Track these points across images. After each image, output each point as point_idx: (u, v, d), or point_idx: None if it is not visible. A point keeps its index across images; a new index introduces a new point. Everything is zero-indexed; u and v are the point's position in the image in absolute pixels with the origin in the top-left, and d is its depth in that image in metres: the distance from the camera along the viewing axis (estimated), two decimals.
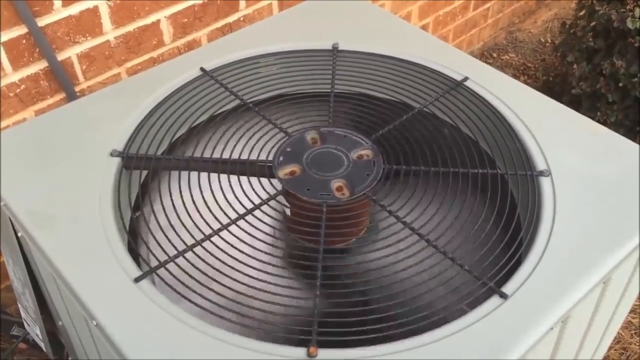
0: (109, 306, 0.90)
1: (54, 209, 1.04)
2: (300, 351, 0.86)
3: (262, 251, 0.99)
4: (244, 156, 1.14)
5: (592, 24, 2.30)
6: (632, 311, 2.12)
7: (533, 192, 1.07)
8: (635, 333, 2.06)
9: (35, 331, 1.43)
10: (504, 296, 0.91)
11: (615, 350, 2.01)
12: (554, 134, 1.18)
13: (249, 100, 1.28)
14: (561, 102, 1.26)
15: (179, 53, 1.81)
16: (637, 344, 2.02)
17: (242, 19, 1.92)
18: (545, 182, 1.09)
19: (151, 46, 1.74)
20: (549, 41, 3.41)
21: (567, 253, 0.97)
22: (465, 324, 0.88)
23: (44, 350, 1.46)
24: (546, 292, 0.91)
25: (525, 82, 3.13)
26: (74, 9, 1.53)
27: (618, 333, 2.04)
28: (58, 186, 1.08)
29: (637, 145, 1.17)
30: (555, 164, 1.12)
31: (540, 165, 1.12)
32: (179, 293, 0.93)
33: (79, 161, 1.12)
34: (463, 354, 0.85)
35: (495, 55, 3.34)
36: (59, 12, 1.51)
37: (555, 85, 2.74)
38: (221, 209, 1.05)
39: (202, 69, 1.33)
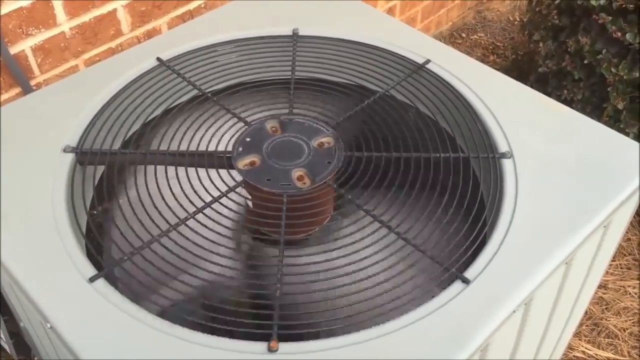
0: (62, 308, 0.88)
1: (5, 208, 1.01)
2: (261, 346, 0.84)
3: (222, 245, 0.97)
4: (203, 148, 1.12)
5: (557, 1, 2.29)
6: (603, 287, 2.15)
7: (495, 174, 1.07)
8: (606, 309, 2.09)
9: None
10: (466, 281, 0.90)
11: (587, 326, 2.03)
12: (517, 115, 1.17)
13: (207, 90, 1.25)
14: (529, 80, 1.26)
15: (139, 42, 1.76)
16: (608, 319, 2.05)
17: (203, 5, 1.88)
18: (507, 164, 1.08)
19: (109, 36, 1.69)
20: (518, 19, 3.41)
21: (528, 235, 0.97)
22: (428, 311, 0.87)
23: (9, 352, 1.43)
24: (508, 276, 0.91)
25: (494, 62, 3.14)
26: (25, 1, 1.48)
27: (589, 309, 2.07)
28: (9, 185, 1.04)
29: (599, 124, 1.17)
30: (517, 145, 1.11)
31: (503, 147, 1.11)
32: (136, 291, 0.90)
33: (30, 158, 1.09)
34: (425, 341, 0.84)
35: (464, 35, 3.33)
36: (9, 4, 1.46)
37: (523, 64, 2.74)
38: (179, 203, 1.02)
39: (158, 58, 1.29)
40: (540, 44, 2.39)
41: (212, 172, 1.09)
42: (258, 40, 1.36)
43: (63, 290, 0.90)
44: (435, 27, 3.12)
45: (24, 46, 1.54)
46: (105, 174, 1.11)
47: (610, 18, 2.06)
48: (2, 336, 1.37)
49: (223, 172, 1.10)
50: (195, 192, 1.04)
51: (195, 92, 1.25)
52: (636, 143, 1.12)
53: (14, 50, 1.52)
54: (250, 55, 1.34)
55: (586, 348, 1.96)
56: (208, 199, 1.04)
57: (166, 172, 1.07)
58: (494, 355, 0.92)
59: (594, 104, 2.25)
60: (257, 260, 0.95)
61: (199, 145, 1.12)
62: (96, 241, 0.99)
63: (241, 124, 1.17)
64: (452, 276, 0.92)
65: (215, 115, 1.19)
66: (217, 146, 1.12)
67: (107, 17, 1.66)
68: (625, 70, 2.04)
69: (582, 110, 1.20)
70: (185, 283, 0.92)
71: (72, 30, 1.61)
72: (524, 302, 0.91)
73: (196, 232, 0.98)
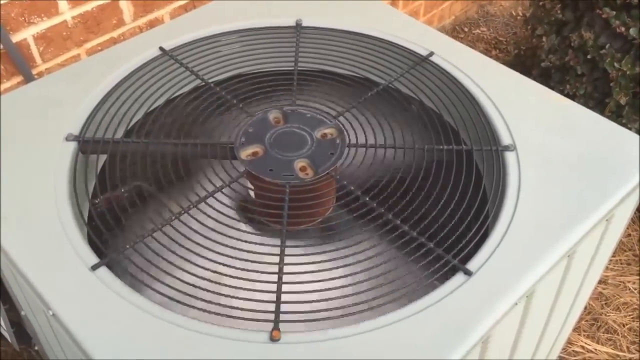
0: (64, 295, 0.87)
1: (7, 197, 1.01)
2: (263, 335, 0.84)
3: (224, 234, 0.97)
4: (205, 137, 1.11)
5: None
6: (603, 282, 2.15)
7: (498, 167, 1.06)
8: (605, 304, 2.09)
9: None
10: (468, 273, 0.90)
11: (586, 321, 2.03)
12: (520, 108, 1.17)
13: (210, 80, 1.25)
14: (531, 75, 1.25)
15: (141, 32, 1.76)
16: (608, 314, 2.05)
17: None
18: (510, 156, 1.08)
19: (111, 26, 1.69)
20: (520, 14, 3.40)
21: (531, 228, 0.96)
22: (429, 302, 0.87)
23: (9, 340, 1.43)
24: (510, 268, 0.91)
25: (497, 56, 3.13)
26: None
27: (589, 304, 2.07)
28: (11, 174, 1.04)
29: (602, 118, 1.16)
30: (520, 138, 1.11)
31: (506, 140, 1.11)
32: (138, 280, 0.90)
33: (32, 147, 1.08)
34: (426, 333, 0.84)
35: (466, 29, 3.32)
36: None
37: (526, 59, 2.73)
38: (181, 192, 1.02)
39: (161, 48, 1.29)
40: (544, 39, 2.38)
41: (215, 162, 1.08)
42: (261, 31, 1.35)
43: (65, 278, 0.90)
44: (437, 21, 3.11)
45: (26, 34, 1.54)
46: (107, 162, 1.11)
47: (614, 13, 2.05)
48: (3, 325, 1.37)
49: (226, 162, 1.10)
50: (197, 181, 1.04)
51: (198, 82, 1.25)
52: (638, 136, 1.12)
53: (16, 38, 1.52)
54: (253, 45, 1.34)
55: (585, 343, 1.97)
56: (210, 188, 1.04)
57: (169, 162, 1.07)
58: (495, 347, 0.92)
59: (597, 99, 2.25)
60: (259, 250, 0.95)
61: (201, 135, 1.12)
62: (98, 230, 0.99)
63: (244, 114, 1.16)
64: (454, 268, 0.92)
65: (218, 106, 1.18)
66: (219, 136, 1.12)
67: (110, 7, 1.65)
68: (629, 65, 2.03)
69: (585, 105, 1.19)
70: (187, 272, 0.91)
71: (74, 19, 1.60)
72: (525, 294, 0.91)
73: (198, 222, 0.98)
